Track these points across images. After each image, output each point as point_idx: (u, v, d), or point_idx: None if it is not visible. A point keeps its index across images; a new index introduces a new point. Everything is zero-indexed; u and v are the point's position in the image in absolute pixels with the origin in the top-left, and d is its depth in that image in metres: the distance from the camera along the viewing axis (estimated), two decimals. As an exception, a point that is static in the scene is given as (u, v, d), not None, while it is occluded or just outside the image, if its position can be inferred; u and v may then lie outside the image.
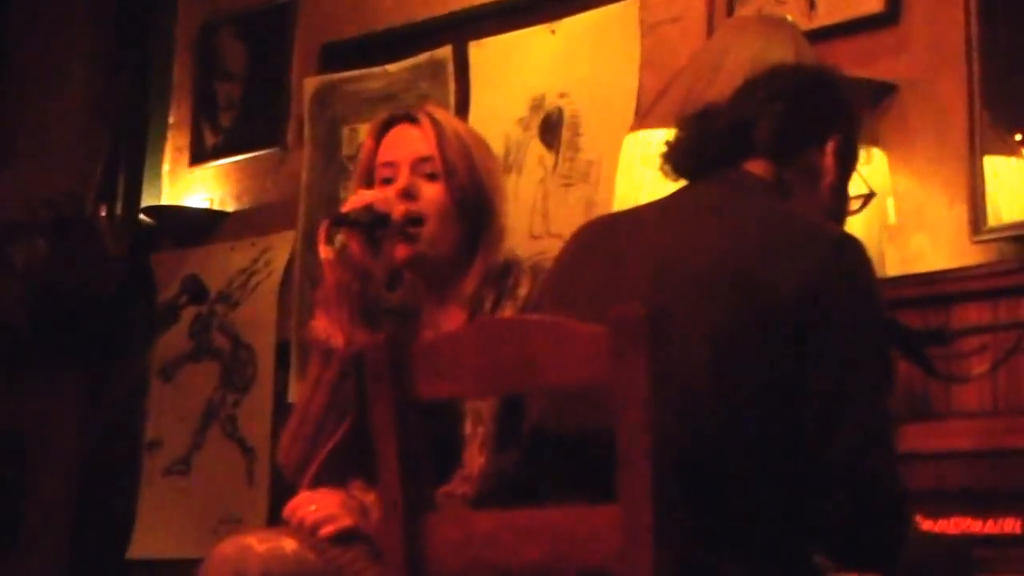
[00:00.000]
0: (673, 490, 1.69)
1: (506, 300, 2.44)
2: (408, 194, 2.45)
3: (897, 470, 1.94)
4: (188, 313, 4.03)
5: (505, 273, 2.46)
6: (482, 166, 2.51)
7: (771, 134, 2.08)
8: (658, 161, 2.17)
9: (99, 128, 4.47)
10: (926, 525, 2.26)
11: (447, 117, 2.57)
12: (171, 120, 4.47)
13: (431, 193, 2.46)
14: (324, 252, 2.42)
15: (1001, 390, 2.45)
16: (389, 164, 2.49)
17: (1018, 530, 2.20)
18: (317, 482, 2.41)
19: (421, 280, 2.50)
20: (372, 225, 2.41)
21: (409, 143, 2.49)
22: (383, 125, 2.53)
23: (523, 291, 2.43)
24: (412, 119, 2.51)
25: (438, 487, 2.29)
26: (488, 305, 2.44)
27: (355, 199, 2.45)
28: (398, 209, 2.43)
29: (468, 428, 2.37)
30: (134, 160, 4.48)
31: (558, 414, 1.98)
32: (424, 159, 2.47)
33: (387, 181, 2.48)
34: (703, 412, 1.87)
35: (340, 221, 2.42)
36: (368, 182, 2.51)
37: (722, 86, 2.57)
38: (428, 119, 2.49)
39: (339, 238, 2.47)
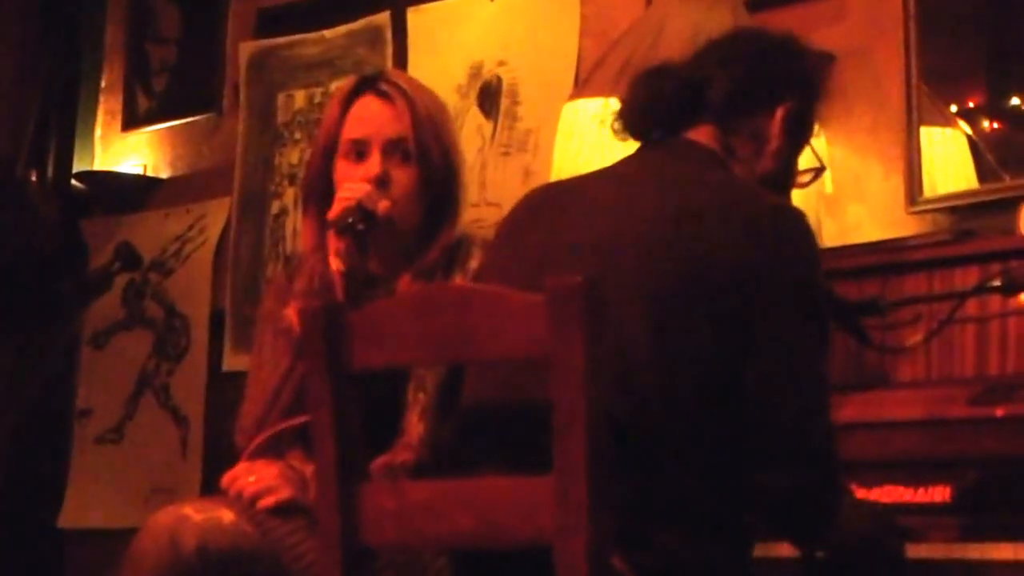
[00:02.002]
0: (609, 461, 1.69)
1: (456, 271, 2.41)
2: (382, 181, 2.40)
3: (833, 441, 1.95)
4: (120, 281, 3.99)
5: (457, 247, 2.44)
6: (451, 143, 2.47)
7: (723, 98, 2.07)
8: (610, 119, 2.16)
9: (29, 92, 4.39)
10: (860, 494, 2.27)
11: (416, 90, 2.49)
12: (103, 84, 4.41)
13: (403, 178, 2.42)
14: (335, 264, 2.35)
15: (934, 360, 2.47)
16: (359, 141, 2.43)
17: (948, 498, 2.22)
18: (257, 453, 2.38)
19: (377, 251, 2.45)
20: (365, 223, 2.35)
21: (381, 121, 2.43)
22: (350, 94, 2.47)
23: (474, 263, 2.40)
24: (382, 93, 2.45)
25: (378, 454, 2.28)
26: (438, 277, 2.41)
27: (341, 198, 2.37)
28: (381, 205, 2.37)
29: (410, 394, 2.35)
30: (65, 124, 4.41)
31: (494, 383, 1.97)
32: (396, 140, 2.42)
33: (358, 156, 2.43)
34: (641, 382, 1.87)
35: (344, 230, 2.34)
36: (330, 153, 2.45)
37: (662, 55, 2.56)
38: (402, 97, 2.43)
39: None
